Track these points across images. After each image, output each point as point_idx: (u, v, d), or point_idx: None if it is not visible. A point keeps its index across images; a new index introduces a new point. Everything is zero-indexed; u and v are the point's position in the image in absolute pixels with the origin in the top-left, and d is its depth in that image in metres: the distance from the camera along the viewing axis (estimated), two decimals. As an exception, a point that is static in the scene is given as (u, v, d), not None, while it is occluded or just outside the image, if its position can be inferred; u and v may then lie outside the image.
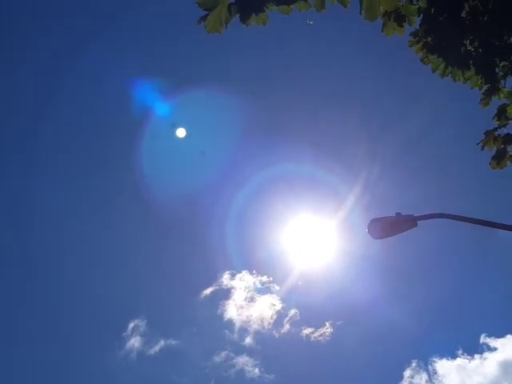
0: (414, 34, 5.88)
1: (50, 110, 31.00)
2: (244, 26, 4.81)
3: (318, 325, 29.79)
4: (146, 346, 28.15)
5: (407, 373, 27.37)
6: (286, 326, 29.20)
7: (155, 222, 30.25)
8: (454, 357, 28.03)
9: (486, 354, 27.25)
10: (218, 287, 29.00)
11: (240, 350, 29.22)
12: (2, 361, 29.18)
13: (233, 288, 29.24)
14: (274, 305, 29.00)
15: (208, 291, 28.80)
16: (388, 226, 8.39)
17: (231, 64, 30.48)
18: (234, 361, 27.97)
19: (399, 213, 8.38)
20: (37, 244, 31.49)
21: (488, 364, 27.45)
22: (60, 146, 31.68)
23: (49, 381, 29.38)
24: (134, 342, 28.04)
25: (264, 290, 29.79)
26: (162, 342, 28.25)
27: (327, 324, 28.50)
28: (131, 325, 28.48)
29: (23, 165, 31.83)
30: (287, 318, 29.57)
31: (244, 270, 29.35)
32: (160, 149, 27.19)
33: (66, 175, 31.58)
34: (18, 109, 31.41)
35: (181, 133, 25.70)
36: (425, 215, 8.32)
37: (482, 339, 27.34)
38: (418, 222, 8.35)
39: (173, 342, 28.57)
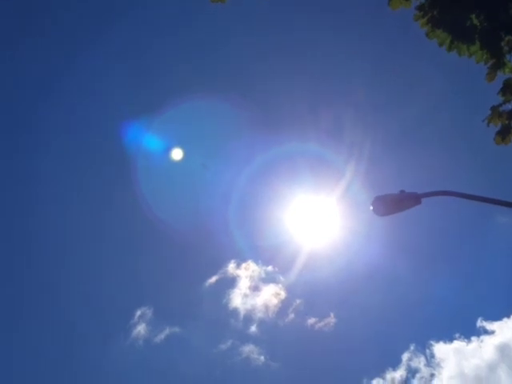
0: (420, 8, 5.85)
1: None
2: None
3: (322, 314, 29.98)
4: (152, 334, 28.39)
5: (405, 356, 27.57)
6: (291, 316, 29.40)
7: (161, 211, 30.36)
8: (451, 340, 28.18)
9: (483, 337, 27.43)
10: (223, 276, 29.13)
11: (245, 338, 29.39)
12: (10, 349, 29.52)
13: (238, 277, 29.38)
14: (279, 294, 29.15)
15: (213, 280, 28.93)
16: (392, 204, 8.43)
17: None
18: (240, 349, 28.19)
19: (403, 190, 8.41)
20: (44, 235, 31.60)
21: (485, 347, 27.64)
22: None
23: (56, 369, 29.71)
24: (141, 330, 28.28)
25: (269, 279, 29.96)
26: (167, 330, 28.47)
27: (331, 314, 28.69)
28: (138, 313, 28.70)
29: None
30: (292, 308, 29.75)
31: (249, 259, 29.47)
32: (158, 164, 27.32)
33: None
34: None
35: (177, 154, 25.92)
36: (429, 192, 8.35)
37: (479, 323, 27.50)
38: (422, 199, 8.39)
39: (179, 330, 28.77)
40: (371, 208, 8.50)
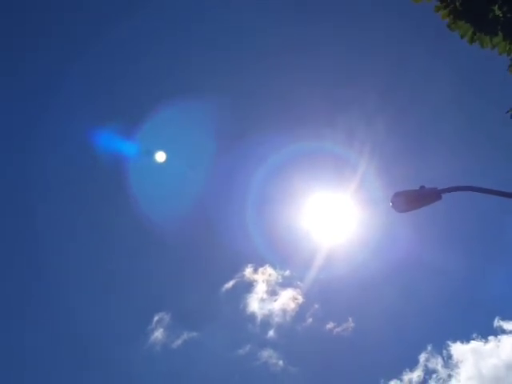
0: (442, -1, 5.80)
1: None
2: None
3: (340, 317, 29.86)
4: (171, 339, 28.40)
5: (422, 357, 27.36)
6: (309, 320, 29.32)
7: (177, 216, 30.37)
8: (468, 340, 27.91)
9: (501, 337, 27.16)
10: (240, 280, 29.09)
11: (263, 343, 29.20)
12: (29, 354, 29.80)
13: (255, 281, 29.36)
14: (297, 299, 29.10)
15: (230, 284, 28.88)
16: (412, 200, 8.33)
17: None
18: (258, 354, 28.16)
19: (423, 186, 8.32)
20: (64, 241, 31.71)
21: (503, 346, 27.37)
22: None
23: (74, 375, 29.85)
24: (158, 335, 28.35)
25: (286, 283, 29.86)
26: (185, 335, 28.45)
27: (349, 318, 28.57)
28: (156, 318, 28.77)
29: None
30: (309, 313, 29.68)
31: (266, 263, 29.41)
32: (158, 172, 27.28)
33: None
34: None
35: (160, 156, 25.82)
36: (449, 188, 8.24)
37: (496, 322, 27.22)
38: (443, 195, 8.29)
39: (197, 335, 28.74)
40: (391, 204, 8.42)
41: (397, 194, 8.37)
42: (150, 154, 25.98)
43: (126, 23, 28.24)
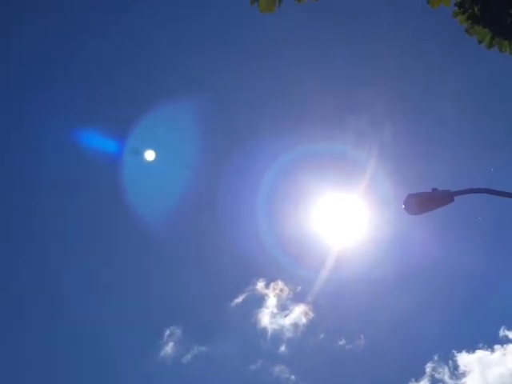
0: (460, 4, 5.84)
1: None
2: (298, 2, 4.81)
3: (351, 332, 29.81)
4: (181, 353, 28.36)
5: (429, 367, 27.31)
6: (320, 336, 29.37)
7: (188, 229, 30.33)
8: (474, 350, 27.85)
9: (507, 346, 27.14)
10: (251, 295, 29.08)
11: (275, 358, 29.10)
12: (40, 366, 29.86)
13: (266, 296, 29.37)
14: (308, 314, 29.11)
15: (240, 299, 28.86)
16: (424, 202, 8.39)
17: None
18: (270, 369, 28.22)
19: (436, 188, 8.38)
20: (70, 252, 31.65)
21: (509, 355, 27.34)
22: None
23: None
24: (169, 349, 28.38)
25: (298, 299, 29.81)
26: (196, 350, 28.28)
27: (361, 336, 28.60)
28: (167, 332, 28.83)
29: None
30: (321, 328, 29.69)
31: (278, 277, 29.40)
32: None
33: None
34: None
35: (150, 155, 25.52)
36: (462, 190, 8.30)
37: (502, 332, 27.20)
38: (455, 197, 8.35)
39: (207, 350, 28.65)
40: (403, 207, 8.48)
41: (409, 197, 8.42)
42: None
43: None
